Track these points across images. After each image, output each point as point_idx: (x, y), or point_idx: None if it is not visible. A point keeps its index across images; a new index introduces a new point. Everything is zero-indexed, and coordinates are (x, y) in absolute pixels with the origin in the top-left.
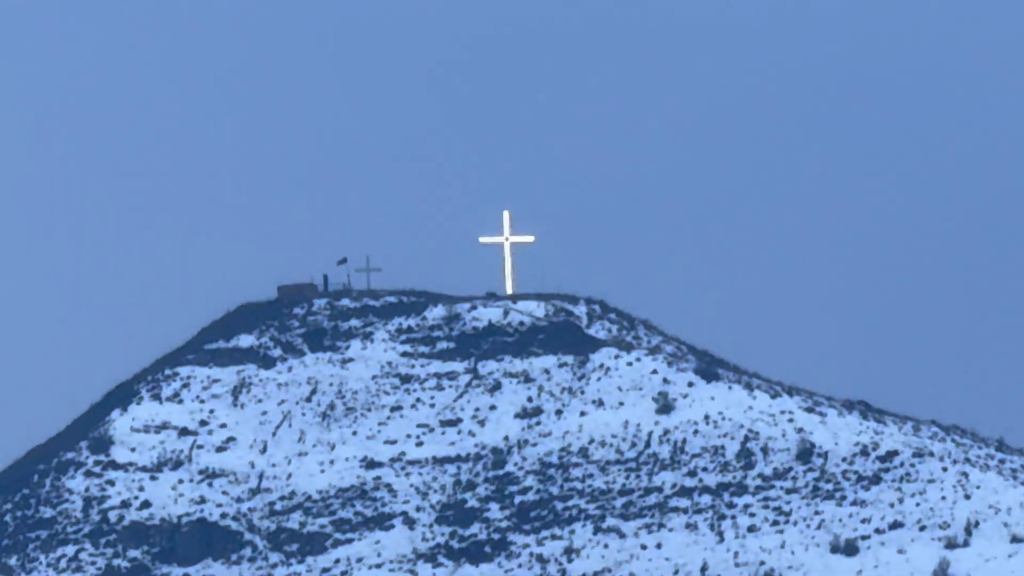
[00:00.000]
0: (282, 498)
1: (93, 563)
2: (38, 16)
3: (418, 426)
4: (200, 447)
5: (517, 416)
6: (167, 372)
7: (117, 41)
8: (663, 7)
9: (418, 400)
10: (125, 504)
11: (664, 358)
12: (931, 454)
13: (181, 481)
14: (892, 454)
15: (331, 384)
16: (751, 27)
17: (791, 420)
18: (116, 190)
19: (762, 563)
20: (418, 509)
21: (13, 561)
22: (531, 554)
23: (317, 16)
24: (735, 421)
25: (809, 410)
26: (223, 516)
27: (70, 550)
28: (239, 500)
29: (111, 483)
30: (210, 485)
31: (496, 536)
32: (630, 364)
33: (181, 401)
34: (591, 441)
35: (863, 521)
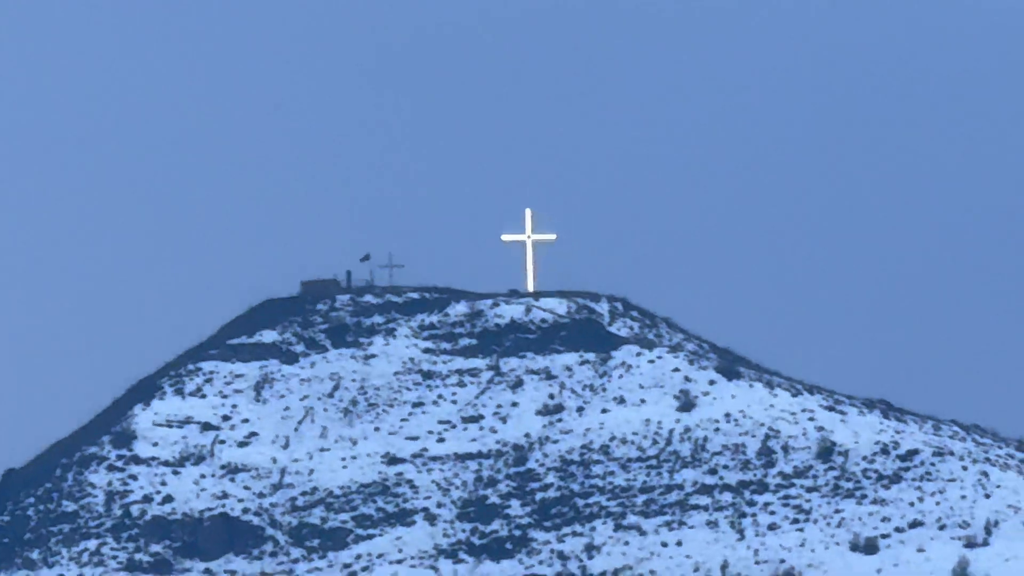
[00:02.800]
0: (304, 493)
1: (115, 557)
2: (68, 11)
3: (440, 422)
4: (222, 442)
5: (539, 413)
6: (190, 367)
7: (148, 35)
8: (681, 5)
9: (440, 396)
10: (147, 499)
11: (685, 356)
12: (951, 453)
13: (203, 476)
14: (912, 453)
15: (353, 380)
16: (769, 25)
17: (812, 419)
18: (140, 186)
19: (782, 561)
20: (439, 505)
21: (35, 555)
22: (552, 551)
23: (344, 15)
24: (756, 419)
25: (830, 408)
26: (245, 511)
27: (92, 544)
28: (261, 495)
29: (133, 478)
30: (232, 480)
31: (517, 533)
32: (651, 362)
33: (204, 396)
34: (612, 438)
35: (883, 520)
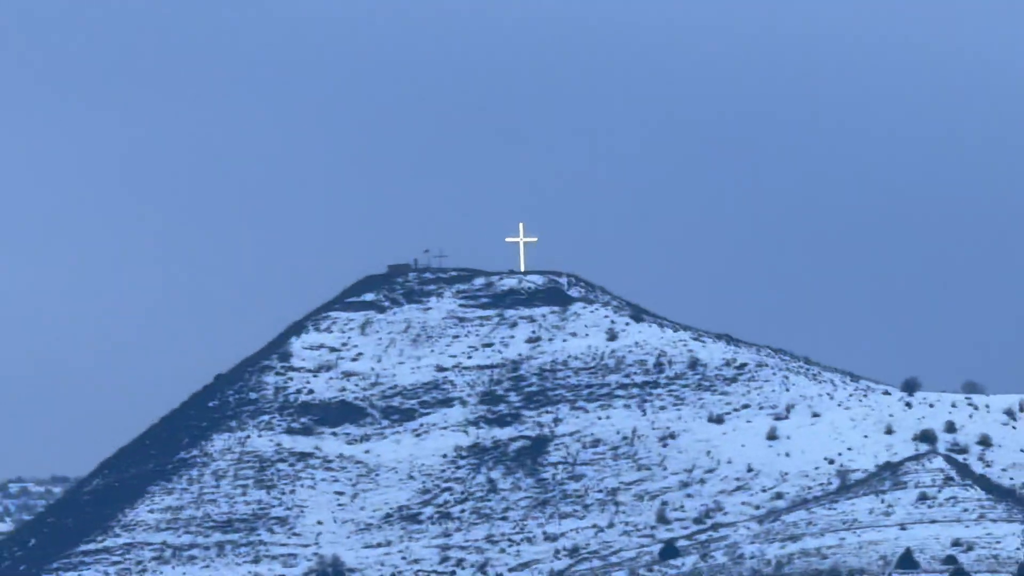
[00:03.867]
0: (390, 387)
1: (280, 425)
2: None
3: (468, 347)
4: (342, 358)
5: (526, 341)
6: (324, 315)
7: (260, 42)
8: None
9: (469, 332)
10: (298, 391)
11: (612, 308)
12: (766, 365)
13: (331, 378)
14: (743, 365)
15: (419, 322)
16: (709, 41)
17: (685, 344)
18: (290, 202)
19: (667, 427)
20: (468, 395)
21: (233, 424)
22: (534, 422)
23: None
24: (652, 345)
25: (696, 339)
26: (355, 398)
27: (266, 418)
28: (365, 389)
29: (290, 379)
30: (348, 380)
31: (513, 412)
32: (592, 312)
33: (331, 332)
34: (568, 356)
35: (727, 404)
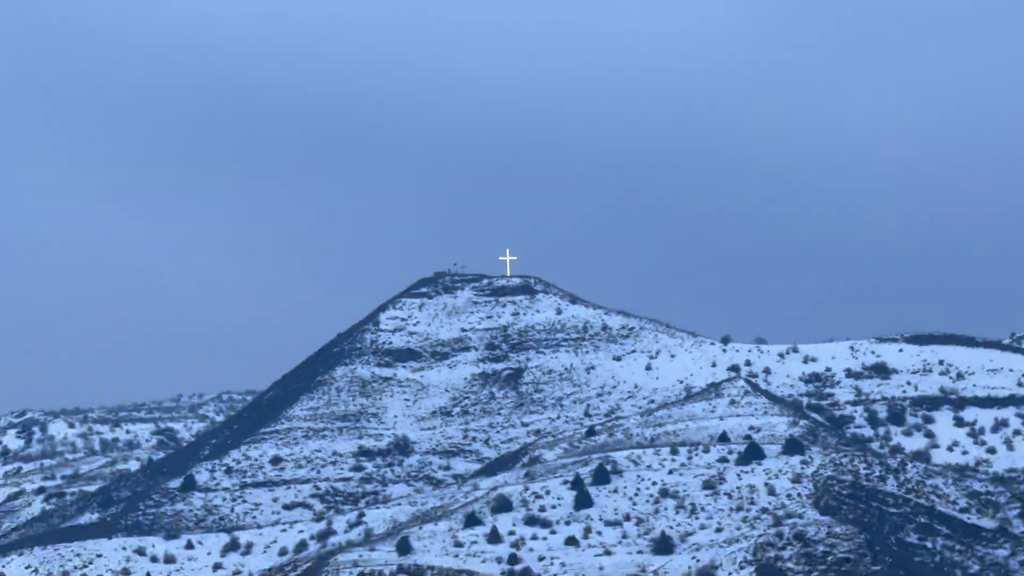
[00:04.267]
0: (435, 340)
1: (373, 361)
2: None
3: (479, 318)
4: (408, 324)
5: (511, 315)
6: (398, 300)
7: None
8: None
9: (479, 310)
10: (384, 343)
11: (558, 296)
12: (645, 328)
13: (402, 335)
14: (632, 328)
15: (451, 304)
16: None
17: (599, 317)
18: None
19: (590, 364)
20: (478, 345)
21: (347, 360)
22: (515, 360)
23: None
24: (583, 319)
25: (606, 314)
26: (415, 346)
27: (365, 357)
28: (420, 341)
29: (379, 335)
30: (411, 336)
31: (503, 354)
32: (547, 298)
33: (401, 309)
34: (535, 323)
35: (622, 350)
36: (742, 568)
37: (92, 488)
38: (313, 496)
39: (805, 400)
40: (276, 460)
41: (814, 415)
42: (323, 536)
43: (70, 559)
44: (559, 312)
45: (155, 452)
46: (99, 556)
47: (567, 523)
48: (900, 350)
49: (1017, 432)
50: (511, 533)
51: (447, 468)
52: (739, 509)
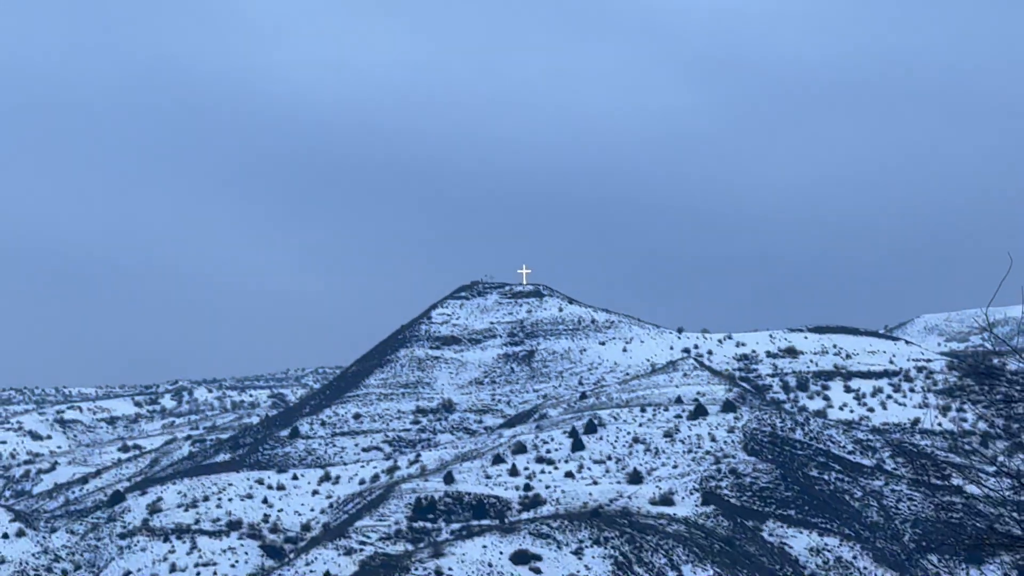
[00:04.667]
0: (472, 330)
1: (427, 345)
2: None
3: (502, 314)
4: (451, 319)
5: (526, 312)
6: (444, 301)
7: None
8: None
9: (503, 308)
10: (434, 332)
11: (560, 299)
12: (622, 321)
13: (447, 326)
14: (612, 321)
15: (483, 305)
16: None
17: (589, 314)
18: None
19: (582, 347)
20: (502, 334)
21: (408, 344)
22: (529, 344)
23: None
24: (577, 314)
25: (594, 311)
26: (456, 334)
27: (421, 342)
28: (461, 331)
29: (431, 326)
30: (453, 327)
31: (520, 340)
32: (552, 301)
33: (447, 308)
34: (543, 319)
35: (606, 337)
36: (692, 494)
37: (225, 436)
38: (383, 442)
39: (738, 373)
40: (357, 416)
41: (743, 384)
42: (390, 471)
43: (209, 487)
44: (560, 310)
45: (270, 410)
46: (230, 484)
47: (566, 462)
48: (805, 337)
49: (889, 396)
50: (526, 468)
51: (480, 422)
52: (689, 452)
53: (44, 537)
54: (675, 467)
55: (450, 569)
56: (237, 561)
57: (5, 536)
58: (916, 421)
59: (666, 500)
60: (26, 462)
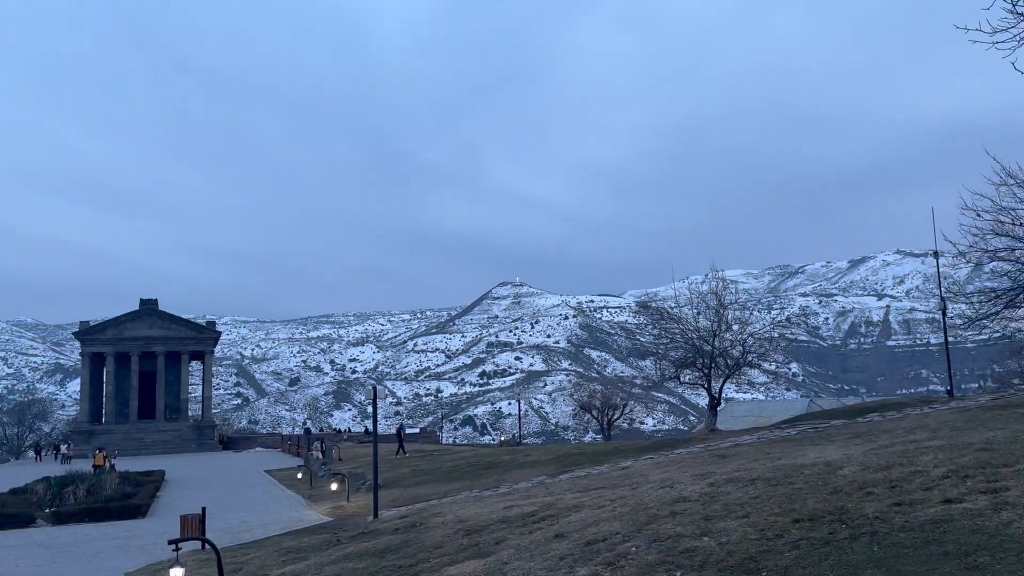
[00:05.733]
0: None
1: (471, 333)
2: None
3: (508, 307)
4: (489, 310)
5: (515, 299)
6: (485, 301)
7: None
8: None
9: (510, 301)
10: (493, 315)
11: (536, 293)
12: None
13: (485, 320)
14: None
15: (501, 301)
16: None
17: (568, 303)
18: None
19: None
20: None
21: (461, 321)
22: (516, 321)
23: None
24: (557, 303)
25: (563, 295)
26: (497, 319)
27: (472, 325)
28: (505, 313)
29: (485, 308)
30: (490, 318)
31: (511, 332)
32: (533, 295)
33: (481, 308)
34: (538, 311)
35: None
36: None
37: None
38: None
39: None
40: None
41: None
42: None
43: None
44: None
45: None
46: None
47: None
48: None
49: None
50: None
51: None
52: None
53: None
54: None
55: None
56: None
57: None
58: None
59: None
60: None
